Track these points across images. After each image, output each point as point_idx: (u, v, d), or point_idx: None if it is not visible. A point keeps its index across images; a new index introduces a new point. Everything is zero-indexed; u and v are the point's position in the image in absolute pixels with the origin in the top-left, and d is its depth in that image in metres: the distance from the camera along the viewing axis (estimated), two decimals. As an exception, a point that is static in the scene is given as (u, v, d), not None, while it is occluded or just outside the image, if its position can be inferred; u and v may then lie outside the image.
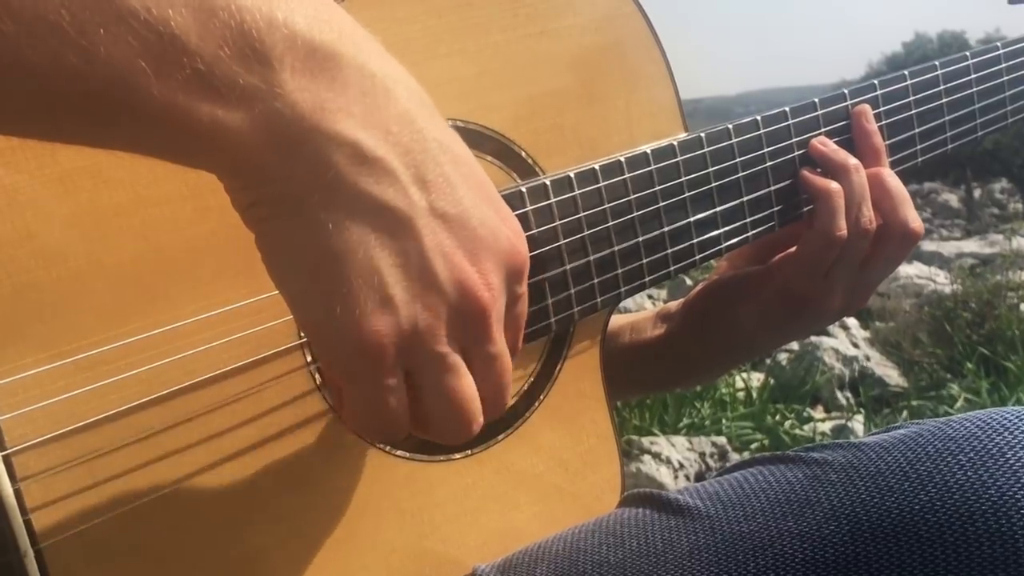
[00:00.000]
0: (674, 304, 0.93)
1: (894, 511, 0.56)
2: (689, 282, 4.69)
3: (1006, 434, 0.57)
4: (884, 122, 0.86)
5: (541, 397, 0.73)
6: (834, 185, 0.79)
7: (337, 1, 0.64)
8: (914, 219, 0.81)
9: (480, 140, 0.69)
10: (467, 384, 0.48)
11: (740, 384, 3.36)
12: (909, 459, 0.58)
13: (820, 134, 0.82)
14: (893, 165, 0.85)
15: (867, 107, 0.84)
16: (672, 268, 0.76)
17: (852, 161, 0.80)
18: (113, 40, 0.38)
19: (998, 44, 0.94)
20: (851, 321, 4.09)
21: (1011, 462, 0.55)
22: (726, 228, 0.79)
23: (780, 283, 0.81)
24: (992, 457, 0.55)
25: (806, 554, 0.57)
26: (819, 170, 0.81)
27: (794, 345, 3.79)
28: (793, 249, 0.82)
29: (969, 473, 0.55)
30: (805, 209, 0.83)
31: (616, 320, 0.93)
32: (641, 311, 0.99)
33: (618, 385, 0.78)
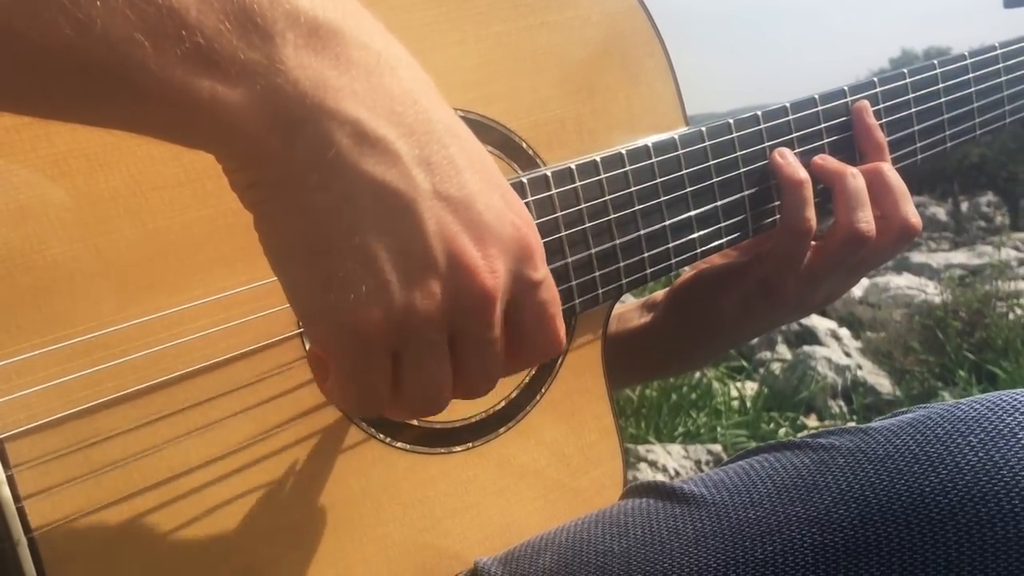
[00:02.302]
0: (659, 293, 0.93)
1: (904, 494, 0.55)
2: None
3: (1016, 415, 0.56)
4: (884, 120, 0.86)
5: (542, 391, 0.72)
6: (801, 174, 0.78)
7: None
8: (913, 214, 0.81)
9: (481, 130, 0.69)
10: (445, 371, 0.47)
11: (734, 393, 3.36)
12: (918, 441, 0.57)
13: (820, 129, 0.82)
14: (893, 163, 0.85)
15: (866, 103, 0.84)
16: (673, 261, 0.76)
17: (849, 168, 0.80)
18: (110, 13, 0.37)
19: (995, 44, 0.94)
20: (843, 331, 4.10)
21: (1023, 442, 0.54)
22: (727, 223, 0.78)
23: (760, 275, 0.81)
24: (1003, 437, 0.55)
25: (814, 539, 0.56)
26: (794, 153, 0.80)
27: (787, 354, 3.80)
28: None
29: (980, 454, 0.54)
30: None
31: None
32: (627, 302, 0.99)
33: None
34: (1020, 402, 0.57)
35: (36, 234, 0.51)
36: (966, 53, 0.91)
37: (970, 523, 0.53)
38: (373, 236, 0.42)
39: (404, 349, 0.45)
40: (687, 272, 0.90)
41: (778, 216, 0.81)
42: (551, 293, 0.50)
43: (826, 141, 0.82)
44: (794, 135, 0.81)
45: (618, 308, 0.96)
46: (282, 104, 0.40)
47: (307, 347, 0.60)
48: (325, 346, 0.45)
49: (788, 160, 0.79)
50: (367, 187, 0.42)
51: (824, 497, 0.57)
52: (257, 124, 0.40)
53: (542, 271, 0.49)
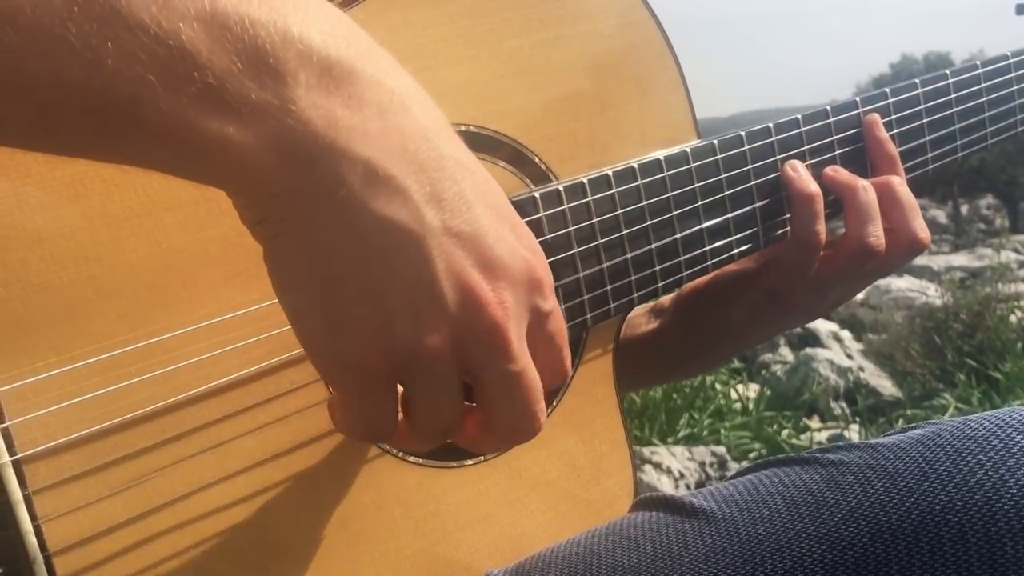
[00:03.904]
0: (667, 299, 0.93)
1: (914, 512, 0.55)
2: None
3: None
4: (896, 130, 0.86)
5: (554, 403, 0.72)
6: (812, 188, 0.79)
7: (352, 5, 0.64)
8: (922, 229, 0.81)
9: (493, 146, 0.69)
10: (456, 403, 0.47)
11: (737, 395, 3.36)
12: (928, 459, 0.57)
13: (831, 141, 0.82)
14: (905, 172, 0.85)
15: (876, 116, 0.84)
16: (684, 274, 0.76)
17: (860, 182, 0.80)
18: (120, 54, 0.37)
19: (1008, 53, 0.94)
20: (845, 333, 4.11)
21: None
22: (738, 235, 0.78)
23: (768, 284, 0.82)
24: (1013, 456, 0.55)
25: (824, 556, 0.56)
26: (806, 165, 0.80)
27: (789, 356, 3.81)
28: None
29: (990, 473, 0.54)
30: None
31: None
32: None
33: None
34: None
35: (52, 254, 0.51)
36: (978, 63, 0.91)
37: (980, 542, 0.53)
38: (381, 275, 0.43)
39: (412, 383, 0.46)
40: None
41: (788, 228, 0.81)
42: (559, 324, 0.50)
43: (838, 153, 0.83)
44: (806, 147, 0.81)
45: None
46: (293, 144, 0.40)
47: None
48: (328, 378, 0.46)
49: (800, 174, 0.79)
50: (377, 226, 0.42)
51: (834, 514, 0.57)
52: (267, 163, 0.40)
53: (551, 302, 0.49)
